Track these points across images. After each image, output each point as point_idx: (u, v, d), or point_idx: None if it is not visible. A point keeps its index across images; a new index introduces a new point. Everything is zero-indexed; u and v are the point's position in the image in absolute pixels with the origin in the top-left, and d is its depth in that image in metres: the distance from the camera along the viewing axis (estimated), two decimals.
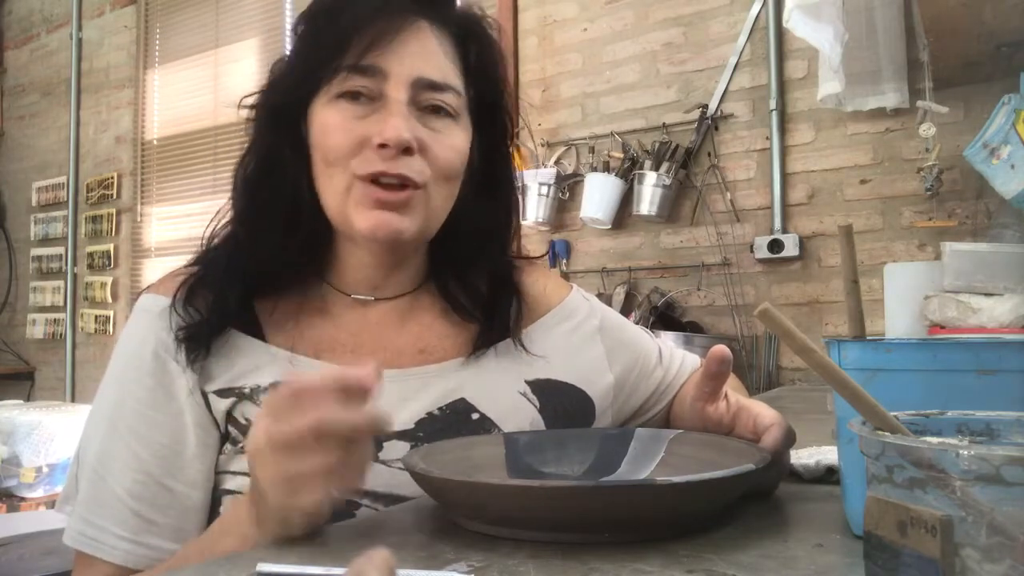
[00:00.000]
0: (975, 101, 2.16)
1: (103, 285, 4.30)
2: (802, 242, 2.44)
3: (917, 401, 0.44)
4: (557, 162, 2.89)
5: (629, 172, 2.67)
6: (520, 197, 0.86)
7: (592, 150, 2.82)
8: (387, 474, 0.69)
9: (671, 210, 2.63)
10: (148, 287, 0.78)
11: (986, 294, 1.55)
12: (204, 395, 0.71)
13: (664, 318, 2.57)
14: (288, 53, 0.78)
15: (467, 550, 0.51)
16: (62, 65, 4.69)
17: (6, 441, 2.77)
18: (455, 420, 0.75)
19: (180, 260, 0.80)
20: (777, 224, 2.48)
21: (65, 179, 4.56)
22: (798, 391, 2.06)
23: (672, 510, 0.53)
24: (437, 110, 0.73)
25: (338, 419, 0.51)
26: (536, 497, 0.51)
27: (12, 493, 2.74)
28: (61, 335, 4.49)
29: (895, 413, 0.42)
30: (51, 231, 4.63)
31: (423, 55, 0.72)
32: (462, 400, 0.76)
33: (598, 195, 2.68)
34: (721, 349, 0.68)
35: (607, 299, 2.64)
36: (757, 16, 2.56)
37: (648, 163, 2.62)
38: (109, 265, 4.31)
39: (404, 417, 0.73)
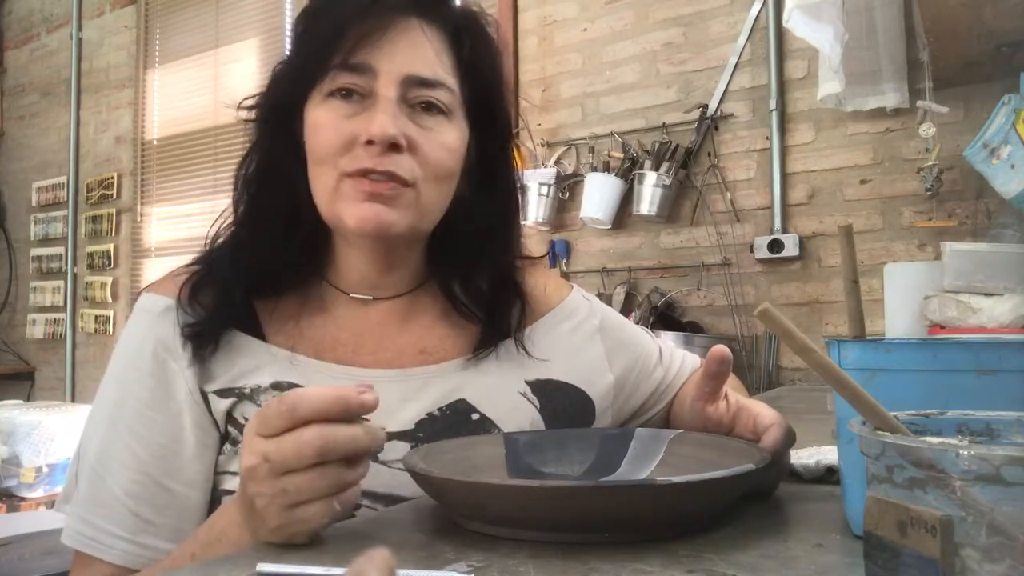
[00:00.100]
0: (975, 101, 2.17)
1: (103, 285, 4.30)
2: (802, 242, 2.44)
3: (917, 401, 0.44)
4: (557, 162, 2.89)
5: (629, 172, 2.67)
6: (521, 197, 0.85)
7: (592, 150, 2.82)
8: (387, 474, 0.69)
9: (671, 210, 2.63)
10: (148, 287, 0.78)
11: (986, 294, 1.55)
12: (204, 395, 0.71)
13: (664, 318, 2.57)
14: (287, 53, 0.78)
15: (467, 550, 0.51)
16: (62, 65, 4.69)
17: (6, 441, 2.77)
18: (455, 420, 0.75)
19: (180, 260, 0.80)
20: (777, 224, 2.48)
21: (65, 179, 4.56)
22: (798, 391, 2.06)
23: (672, 510, 0.53)
24: (429, 107, 0.73)
25: (342, 440, 0.50)
26: (536, 497, 0.51)
27: (12, 493, 2.74)
28: (61, 335, 4.49)
29: (895, 413, 0.42)
30: (51, 231, 4.63)
31: (413, 52, 0.72)
32: (462, 400, 0.76)
33: (598, 195, 2.68)
34: (721, 349, 0.68)
35: (607, 299, 2.64)
36: (757, 16, 2.56)
37: (648, 163, 2.62)
38: (109, 265, 4.31)
39: (404, 417, 0.73)
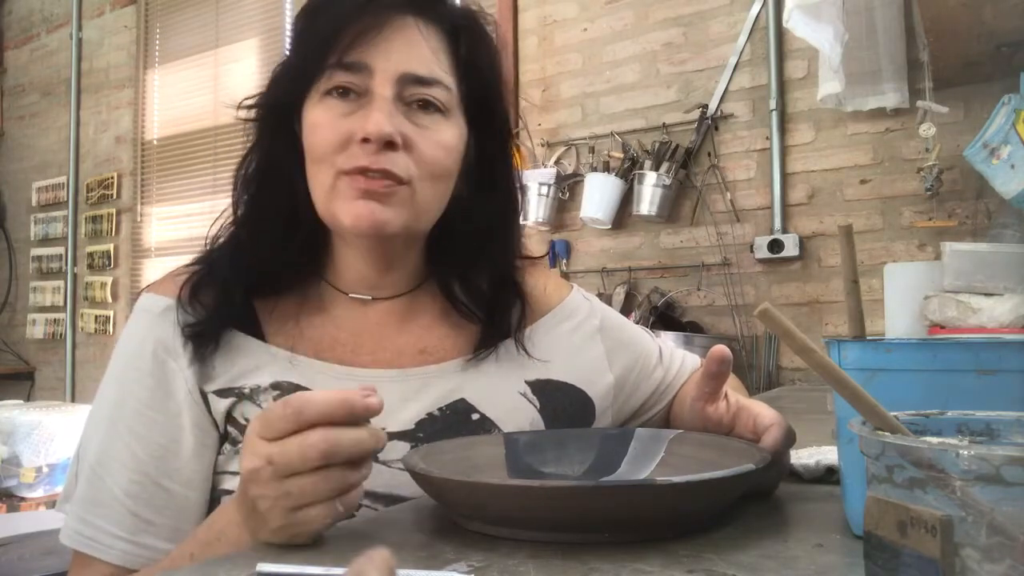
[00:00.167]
0: (975, 101, 2.16)
1: (103, 285, 4.30)
2: (802, 242, 2.44)
3: (917, 401, 0.44)
4: (557, 162, 2.89)
5: (629, 172, 2.67)
6: (521, 197, 0.85)
7: (592, 150, 2.82)
8: (387, 474, 0.69)
9: (671, 210, 2.63)
10: (148, 287, 0.78)
11: (986, 294, 1.55)
12: (204, 395, 0.71)
13: (664, 318, 2.57)
14: (286, 53, 0.79)
15: (467, 550, 0.51)
16: (62, 65, 4.69)
17: (6, 441, 2.77)
18: (455, 421, 0.75)
19: (180, 260, 0.80)
20: (777, 224, 2.48)
21: (65, 179, 4.56)
22: (798, 391, 2.06)
23: (672, 510, 0.53)
24: (426, 105, 0.73)
25: (346, 443, 0.51)
26: (536, 497, 0.51)
27: (12, 493, 2.74)
28: (61, 335, 4.49)
29: (895, 413, 0.42)
30: (51, 231, 4.63)
31: (409, 50, 0.72)
32: (462, 400, 0.76)
33: (598, 195, 2.68)
34: (721, 349, 0.68)
35: (607, 299, 2.64)
36: (757, 16, 2.56)
37: (648, 163, 2.62)
38: (109, 265, 4.31)
39: (404, 417, 0.73)
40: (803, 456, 0.74)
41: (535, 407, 0.79)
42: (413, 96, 0.72)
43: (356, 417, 0.51)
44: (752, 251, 2.51)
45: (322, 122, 0.71)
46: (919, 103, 2.11)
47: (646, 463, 0.69)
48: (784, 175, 2.49)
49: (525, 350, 0.81)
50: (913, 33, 2.19)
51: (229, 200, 0.78)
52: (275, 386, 0.72)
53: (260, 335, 0.75)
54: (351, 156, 0.70)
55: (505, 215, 0.82)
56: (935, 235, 2.22)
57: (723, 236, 2.58)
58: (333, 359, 0.75)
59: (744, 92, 2.58)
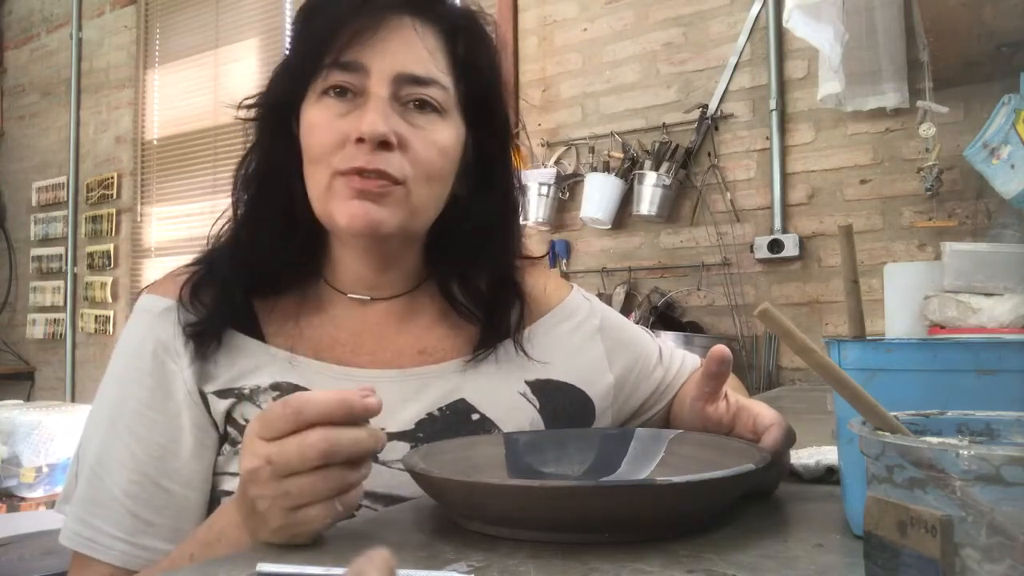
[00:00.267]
0: (975, 101, 2.16)
1: (103, 285, 4.30)
2: (802, 242, 2.44)
3: (917, 401, 0.44)
4: (557, 162, 2.89)
5: (629, 172, 2.67)
6: (521, 197, 0.85)
7: (592, 150, 2.82)
8: (387, 474, 0.69)
9: (671, 210, 2.63)
10: (148, 287, 0.78)
11: (986, 294, 1.55)
12: (203, 395, 0.71)
13: (664, 318, 2.57)
14: (285, 52, 0.79)
15: (467, 550, 0.51)
16: (62, 65, 4.69)
17: (6, 441, 2.77)
18: (455, 421, 0.75)
19: (180, 260, 0.80)
20: (777, 224, 2.48)
21: (65, 179, 4.56)
22: (798, 391, 2.06)
23: (672, 510, 0.53)
24: (423, 105, 0.72)
25: (346, 443, 0.51)
26: (536, 497, 0.51)
27: (12, 493, 2.74)
28: (61, 335, 4.49)
29: (895, 413, 0.42)
30: (51, 231, 4.63)
31: (405, 50, 0.72)
32: (462, 401, 0.76)
33: (598, 195, 2.68)
34: (721, 349, 0.68)
35: (607, 299, 2.64)
36: (757, 16, 2.56)
37: (648, 163, 2.62)
38: (109, 265, 4.31)
39: (404, 418, 0.73)
40: (803, 456, 0.74)
41: (535, 407, 0.79)
42: (409, 96, 0.72)
43: (355, 417, 0.51)
44: (752, 251, 2.51)
45: (319, 122, 0.71)
46: (919, 103, 2.11)
47: (646, 463, 0.69)
48: (784, 175, 2.49)
49: (524, 351, 0.81)
50: (913, 33, 2.19)
51: (229, 200, 0.78)
52: (275, 386, 0.72)
53: (260, 335, 0.75)
54: (347, 156, 0.70)
55: (504, 215, 0.82)
56: (935, 235, 2.22)
57: (723, 236, 2.58)
58: (332, 359, 0.75)
59: (744, 92, 2.58)
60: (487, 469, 0.66)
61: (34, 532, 1.77)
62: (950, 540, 0.32)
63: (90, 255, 4.40)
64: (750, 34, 2.57)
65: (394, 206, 0.71)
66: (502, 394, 0.78)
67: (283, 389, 0.71)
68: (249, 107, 0.78)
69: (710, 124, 2.61)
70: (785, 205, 2.48)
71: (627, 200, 2.68)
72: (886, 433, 0.38)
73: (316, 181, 0.72)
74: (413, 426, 0.73)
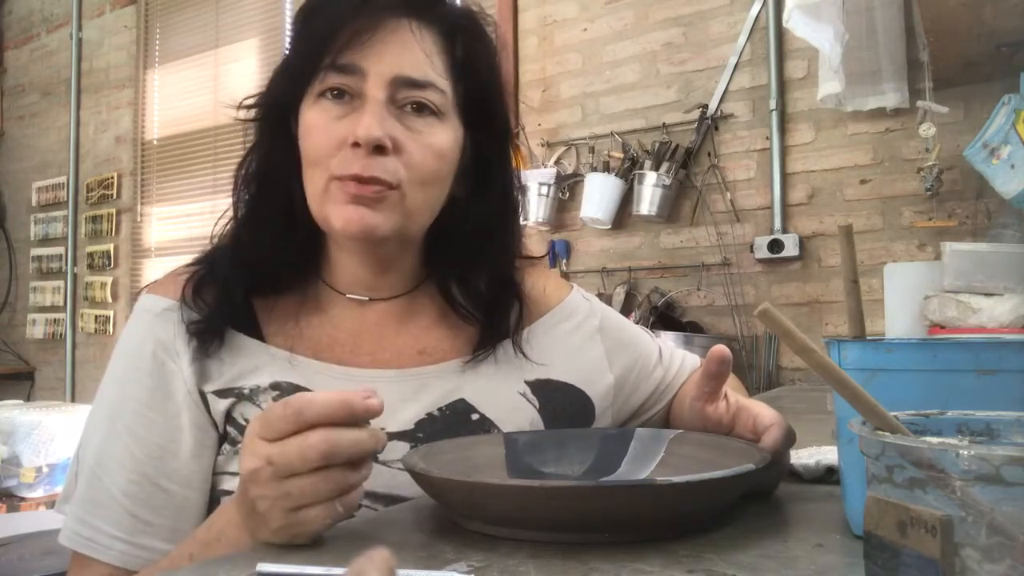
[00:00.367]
0: (975, 101, 2.16)
1: (103, 285, 4.30)
2: (802, 242, 2.44)
3: (917, 401, 0.44)
4: (557, 162, 2.89)
5: (629, 172, 2.67)
6: (521, 198, 0.85)
7: (592, 150, 2.82)
8: (387, 474, 0.69)
9: (671, 210, 2.63)
10: (148, 287, 0.78)
11: (986, 294, 1.55)
12: (203, 395, 0.71)
13: (664, 318, 2.57)
14: (285, 53, 0.79)
15: (467, 550, 0.51)
16: (62, 65, 4.69)
17: (6, 441, 2.76)
18: (455, 421, 0.75)
19: (180, 260, 0.80)
20: (777, 224, 2.48)
21: (65, 179, 4.56)
22: (798, 391, 2.06)
23: (672, 510, 0.53)
24: (420, 108, 0.72)
25: (347, 444, 0.51)
26: (536, 497, 0.51)
27: (12, 493, 2.74)
28: (61, 335, 4.49)
29: (895, 413, 0.42)
30: (51, 231, 4.63)
31: (402, 53, 0.71)
32: (461, 401, 0.76)
33: (598, 195, 2.68)
34: (721, 349, 0.68)
35: (607, 299, 2.64)
36: (757, 16, 2.56)
37: (648, 163, 2.62)
38: (109, 265, 4.31)
39: (404, 418, 0.73)
40: (803, 456, 0.74)
41: (535, 407, 0.79)
42: (406, 99, 0.72)
43: (356, 418, 0.51)
44: (752, 251, 2.51)
45: (316, 125, 0.71)
46: (919, 103, 2.11)
47: (646, 463, 0.69)
48: (784, 175, 2.49)
49: (523, 353, 0.81)
50: (913, 33, 2.19)
51: (229, 200, 0.78)
52: (274, 386, 0.72)
53: (259, 335, 0.75)
54: (344, 161, 0.69)
55: (504, 216, 0.82)
56: (935, 235, 2.22)
57: (723, 236, 2.58)
58: (332, 359, 0.75)
59: (744, 92, 2.58)
60: (487, 469, 0.66)
61: (34, 532, 1.77)
62: (950, 540, 0.32)
63: (90, 255, 4.40)
64: (750, 34, 2.57)
65: (389, 211, 0.71)
66: (502, 394, 0.78)
67: (283, 389, 0.71)
68: (249, 107, 0.78)
69: (710, 124, 2.61)
70: (785, 205, 2.48)
71: (627, 200, 2.68)
72: (886, 433, 0.38)
73: (313, 184, 0.72)
74: (413, 426, 0.73)
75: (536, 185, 2.78)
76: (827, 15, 1.97)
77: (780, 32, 2.48)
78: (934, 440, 0.40)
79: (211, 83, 4.02)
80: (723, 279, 2.57)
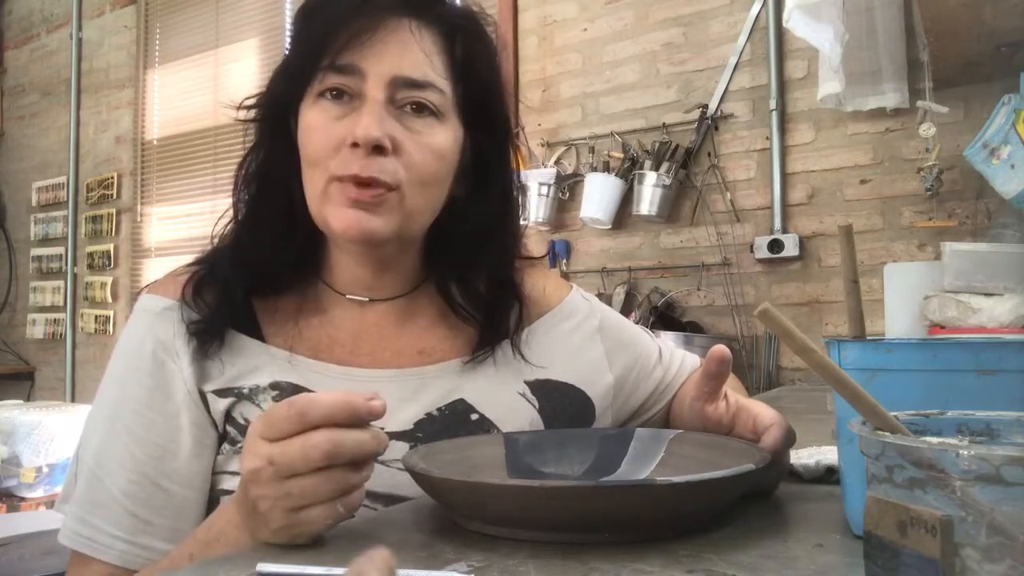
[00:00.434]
0: (975, 101, 2.16)
1: (103, 285, 4.30)
2: (802, 242, 2.44)
3: (917, 401, 0.44)
4: (557, 162, 2.89)
5: (629, 172, 2.67)
6: (521, 198, 0.85)
7: (592, 150, 2.82)
8: (387, 474, 0.69)
9: (671, 210, 2.63)
10: (148, 287, 0.78)
11: (986, 294, 1.55)
12: (202, 395, 0.71)
13: (664, 318, 2.57)
14: (285, 53, 0.78)
15: (467, 550, 0.51)
16: (62, 65, 4.69)
17: (6, 441, 2.76)
18: (454, 421, 0.75)
19: (180, 260, 0.80)
20: (777, 224, 2.48)
21: (65, 179, 4.56)
22: (798, 391, 2.06)
23: (672, 510, 0.53)
24: (419, 109, 0.72)
25: (349, 444, 0.51)
26: (536, 497, 0.51)
27: (12, 493, 2.74)
28: (61, 335, 4.49)
29: (895, 413, 0.42)
30: (51, 231, 4.63)
31: (402, 53, 0.71)
32: (461, 401, 0.76)
33: (598, 195, 2.68)
34: (721, 349, 0.68)
35: (607, 299, 2.64)
36: (757, 16, 2.56)
37: (648, 163, 2.62)
38: (109, 265, 4.31)
39: (403, 418, 0.73)
40: (803, 456, 0.74)
41: (534, 407, 0.79)
42: (405, 99, 0.71)
43: (359, 419, 0.51)
44: (752, 251, 2.51)
45: (315, 125, 0.71)
46: (919, 103, 2.11)
47: (646, 463, 0.69)
48: (784, 175, 2.49)
49: (522, 355, 0.81)
50: (913, 33, 2.19)
51: (229, 200, 0.78)
52: (274, 386, 0.72)
53: (259, 335, 0.75)
54: (343, 162, 0.69)
55: (504, 216, 0.82)
56: (935, 235, 2.22)
57: (723, 236, 2.58)
58: (331, 360, 0.75)
59: (744, 92, 2.58)
60: (487, 469, 0.66)
61: (34, 532, 1.77)
62: (950, 540, 0.32)
63: (90, 255, 4.40)
64: (750, 34, 2.57)
65: (388, 214, 0.71)
66: (501, 394, 0.78)
67: (282, 389, 0.71)
68: (248, 108, 0.78)
69: (710, 124, 2.61)
70: (785, 205, 2.48)
71: (627, 200, 2.68)
72: (886, 433, 0.38)
73: (312, 185, 0.72)
74: (412, 426, 0.73)
75: (536, 185, 2.78)
76: (827, 15, 1.97)
77: (780, 32, 2.48)
78: (934, 440, 0.40)
79: (211, 83, 4.02)
80: (723, 279, 2.57)
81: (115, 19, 4.46)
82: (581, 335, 0.87)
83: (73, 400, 4.27)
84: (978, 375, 0.48)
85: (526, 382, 0.80)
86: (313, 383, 0.73)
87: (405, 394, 0.75)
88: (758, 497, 0.64)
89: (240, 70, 3.91)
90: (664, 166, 2.59)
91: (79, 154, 4.54)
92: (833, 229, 2.39)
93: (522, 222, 0.86)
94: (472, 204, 0.79)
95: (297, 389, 0.71)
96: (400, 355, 0.78)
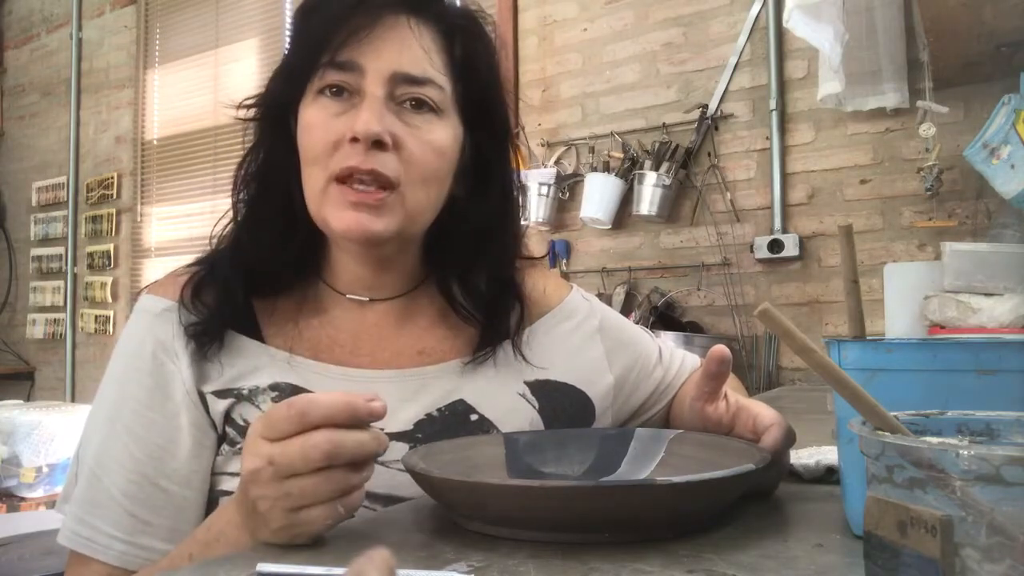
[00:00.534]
0: (975, 101, 2.16)
1: (103, 285, 4.30)
2: (802, 242, 2.44)
3: (917, 401, 0.44)
4: (557, 162, 2.89)
5: (629, 172, 2.67)
6: (521, 198, 0.85)
7: (592, 150, 2.81)
8: (387, 475, 0.69)
9: (671, 210, 2.63)
10: (148, 287, 0.78)
11: (986, 294, 1.55)
12: (202, 396, 0.71)
13: (664, 318, 2.57)
14: (285, 52, 0.79)
15: (467, 550, 0.51)
16: (62, 65, 4.69)
17: (6, 441, 2.76)
18: (454, 421, 0.75)
19: (180, 260, 0.80)
20: (777, 224, 2.48)
21: (65, 179, 4.56)
22: (798, 391, 2.06)
23: (672, 510, 0.53)
24: (419, 105, 0.72)
25: (350, 445, 0.51)
26: (536, 497, 0.51)
27: (12, 493, 2.74)
28: (61, 335, 4.49)
29: (895, 413, 0.42)
30: (51, 231, 4.63)
31: (401, 49, 0.71)
32: (461, 401, 0.76)
33: (598, 195, 2.68)
34: (721, 349, 0.68)
35: (607, 299, 2.64)
36: (757, 16, 2.56)
37: (648, 163, 2.62)
38: (109, 265, 4.31)
39: (403, 418, 0.73)
40: (803, 456, 0.74)
41: (534, 408, 0.79)
42: (405, 95, 0.72)
43: (360, 420, 0.51)
44: (752, 251, 2.50)
45: (315, 122, 0.71)
46: (919, 103, 2.11)
47: (646, 463, 0.69)
48: (784, 175, 2.49)
49: (522, 355, 0.81)
50: (913, 33, 2.19)
51: (229, 200, 0.78)
52: (274, 387, 0.72)
53: (259, 336, 0.75)
54: (342, 157, 0.69)
55: (504, 216, 0.82)
56: (935, 235, 2.22)
57: (723, 236, 2.58)
58: (331, 360, 0.75)
59: (744, 92, 2.58)
60: (487, 469, 0.66)
61: (34, 532, 1.77)
62: (950, 540, 0.32)
63: (90, 255, 4.40)
64: (750, 34, 2.57)
65: (390, 214, 0.71)
66: (501, 395, 0.78)
67: (282, 390, 0.71)
68: (248, 107, 0.78)
69: (710, 124, 2.61)
70: (785, 205, 2.48)
71: (627, 200, 2.68)
72: (886, 433, 0.38)
73: (312, 184, 0.72)
74: (412, 426, 0.73)
75: (536, 185, 2.78)
76: (827, 15, 1.97)
77: (780, 32, 2.48)
78: (934, 440, 0.40)
79: (211, 83, 4.02)
80: (723, 279, 2.57)
81: (115, 19, 4.46)
82: (581, 335, 0.87)
83: (73, 400, 4.27)
84: (978, 375, 0.48)
85: (526, 382, 0.80)
86: (313, 384, 0.72)
87: (405, 395, 0.75)
88: (758, 497, 0.64)
89: (240, 70, 3.90)
90: (664, 166, 2.59)
91: (79, 154, 4.54)
92: (833, 229, 2.39)
93: (522, 222, 0.85)
94: (472, 204, 0.79)
95: (297, 390, 0.71)
96: (400, 355, 0.78)
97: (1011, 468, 0.31)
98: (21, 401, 3.59)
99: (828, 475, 0.72)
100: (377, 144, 0.69)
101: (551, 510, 0.51)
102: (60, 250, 4.57)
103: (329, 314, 0.78)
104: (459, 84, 0.76)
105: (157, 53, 4.28)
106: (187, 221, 4.02)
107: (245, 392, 0.71)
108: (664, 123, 2.68)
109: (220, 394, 0.71)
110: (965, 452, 0.32)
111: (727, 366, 0.69)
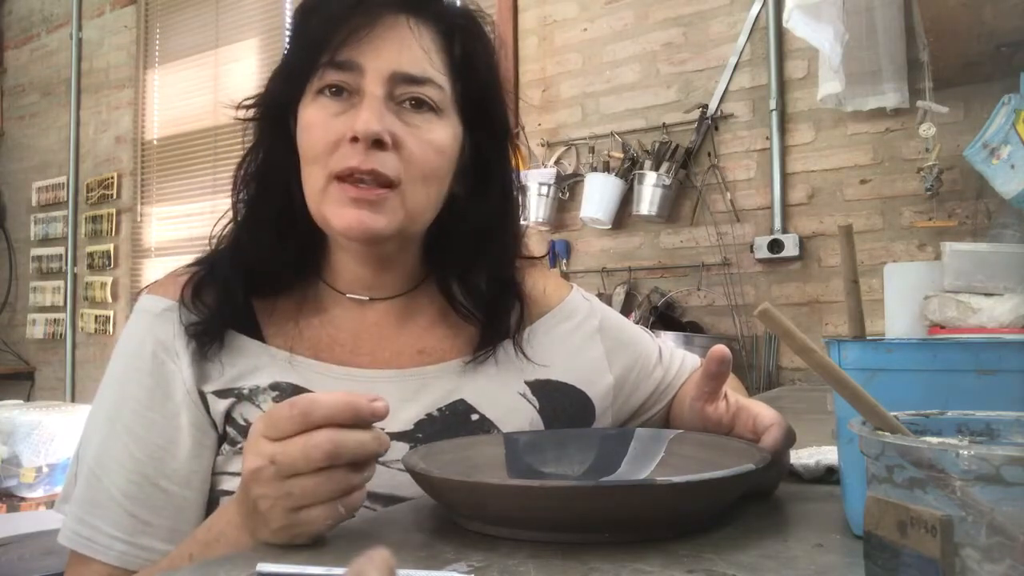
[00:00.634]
0: (975, 101, 2.16)
1: (103, 285, 4.30)
2: (802, 242, 2.44)
3: (917, 401, 0.44)
4: (557, 162, 2.89)
5: (629, 172, 2.67)
6: (521, 198, 0.85)
7: (592, 150, 2.81)
8: (387, 475, 0.69)
9: (671, 210, 2.63)
10: (148, 287, 0.78)
11: (986, 294, 1.55)
12: (202, 396, 0.71)
13: (664, 318, 2.57)
14: (284, 52, 0.79)
15: (467, 550, 0.51)
16: (62, 65, 4.69)
17: (6, 441, 2.76)
18: (454, 421, 0.75)
19: (180, 260, 0.80)
20: (777, 224, 2.48)
21: (65, 179, 4.56)
22: (798, 391, 2.06)
23: (672, 510, 0.53)
24: (419, 104, 0.72)
25: (351, 444, 0.51)
26: (536, 497, 0.51)
27: (12, 493, 2.74)
28: (61, 335, 4.49)
29: (895, 413, 0.42)
30: (51, 231, 4.63)
31: (401, 49, 0.72)
32: (461, 401, 0.76)
33: (598, 195, 2.68)
34: (721, 349, 0.68)
35: (607, 299, 2.64)
36: (757, 16, 2.56)
37: (648, 163, 2.62)
38: (109, 265, 4.31)
39: (403, 418, 0.73)
40: (803, 456, 0.74)
41: (534, 407, 0.79)
42: (405, 95, 0.72)
43: (362, 420, 0.51)
44: (752, 251, 2.50)
45: (314, 122, 0.71)
46: (919, 103, 2.11)
47: (646, 463, 0.69)
48: (784, 175, 2.49)
49: (523, 353, 0.81)
50: (913, 33, 2.19)
51: (229, 200, 0.78)
52: (274, 387, 0.72)
53: (259, 336, 0.75)
54: (342, 156, 0.69)
55: (504, 216, 0.82)
56: (935, 235, 2.22)
57: (723, 236, 2.58)
58: (332, 360, 0.75)
59: (744, 92, 2.58)
60: (487, 469, 0.66)
61: (34, 532, 1.77)
62: (950, 540, 0.32)
63: (90, 255, 4.40)
64: (750, 34, 2.57)
65: (390, 213, 0.71)
66: (502, 395, 0.78)
67: (282, 389, 0.71)
68: (248, 107, 0.78)
69: (710, 124, 2.61)
70: (785, 205, 2.48)
71: (627, 200, 2.68)
72: (886, 433, 0.38)
73: (312, 183, 0.72)
74: (412, 426, 0.73)
75: (536, 185, 2.78)
76: (827, 15, 1.97)
77: (780, 32, 2.48)
78: (934, 440, 0.40)
79: (211, 83, 4.02)
80: (723, 279, 2.57)
81: (115, 19, 4.46)
82: (581, 335, 0.87)
83: (73, 400, 4.27)
84: (978, 375, 0.48)
85: (526, 382, 0.80)
86: (313, 383, 0.72)
87: (405, 394, 0.75)
88: (758, 497, 0.64)
89: (240, 70, 3.90)
90: (664, 166, 2.59)
91: (79, 154, 4.54)
92: (833, 229, 2.39)
93: (522, 222, 0.86)
94: (472, 203, 0.79)
95: (297, 390, 0.71)
96: (400, 355, 0.78)
97: (1011, 468, 0.31)
98: (21, 401, 3.59)
99: (828, 475, 0.72)
100: (377, 143, 0.69)
101: (551, 510, 0.51)
102: (60, 250, 4.57)
103: (329, 313, 0.78)
104: (458, 84, 0.76)
105: (157, 53, 4.28)
106: (187, 221, 4.02)
107: (246, 392, 0.71)
108: (664, 123, 2.68)
109: (221, 394, 0.71)
110: (965, 452, 0.32)
111: (727, 366, 0.69)
